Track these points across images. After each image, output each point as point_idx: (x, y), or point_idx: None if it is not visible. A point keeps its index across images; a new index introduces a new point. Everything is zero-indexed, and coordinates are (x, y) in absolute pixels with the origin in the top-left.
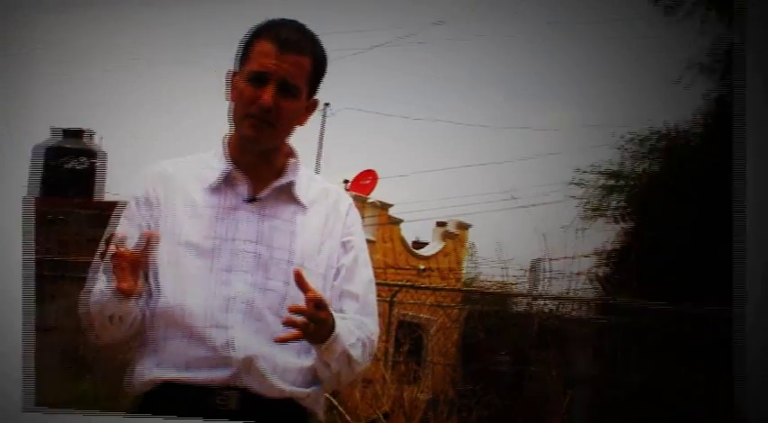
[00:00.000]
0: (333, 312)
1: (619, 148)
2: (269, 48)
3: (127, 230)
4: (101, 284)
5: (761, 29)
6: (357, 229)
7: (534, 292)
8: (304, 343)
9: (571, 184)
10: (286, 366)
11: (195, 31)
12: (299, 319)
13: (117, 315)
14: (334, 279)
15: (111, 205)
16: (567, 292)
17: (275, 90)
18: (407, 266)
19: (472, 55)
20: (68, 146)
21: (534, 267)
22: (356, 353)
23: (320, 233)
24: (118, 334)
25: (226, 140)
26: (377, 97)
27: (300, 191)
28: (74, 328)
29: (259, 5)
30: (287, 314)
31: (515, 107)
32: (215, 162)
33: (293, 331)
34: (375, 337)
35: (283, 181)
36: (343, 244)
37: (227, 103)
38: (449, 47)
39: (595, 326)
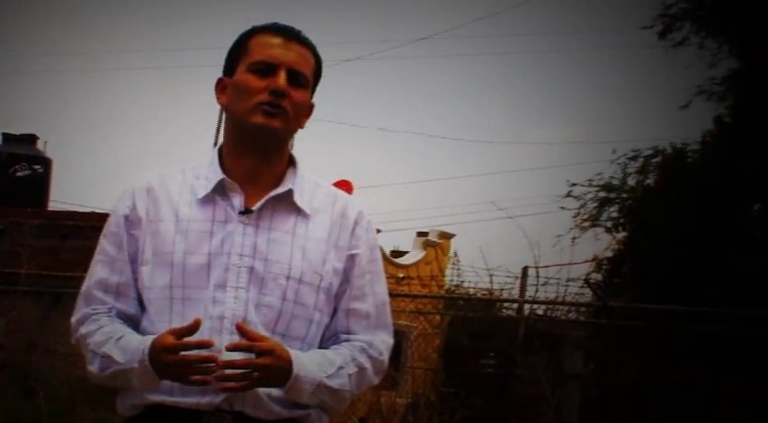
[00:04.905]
0: (290, 350)
1: (612, 163)
2: (273, 39)
3: (110, 255)
4: (123, 352)
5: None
6: (365, 240)
7: (523, 298)
8: None
9: (566, 196)
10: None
11: (165, 36)
12: (232, 372)
13: (140, 384)
14: (342, 296)
15: (65, 215)
16: (557, 298)
17: (285, 78)
18: (386, 275)
19: (461, 71)
20: (20, 152)
21: (524, 274)
22: (339, 382)
23: (325, 243)
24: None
25: (217, 150)
26: (367, 109)
27: (302, 199)
28: (26, 343)
29: (235, 14)
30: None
31: (510, 122)
32: (207, 172)
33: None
34: (385, 352)
35: (280, 190)
36: (351, 257)
37: (196, 106)
38: (435, 62)
39: (587, 329)
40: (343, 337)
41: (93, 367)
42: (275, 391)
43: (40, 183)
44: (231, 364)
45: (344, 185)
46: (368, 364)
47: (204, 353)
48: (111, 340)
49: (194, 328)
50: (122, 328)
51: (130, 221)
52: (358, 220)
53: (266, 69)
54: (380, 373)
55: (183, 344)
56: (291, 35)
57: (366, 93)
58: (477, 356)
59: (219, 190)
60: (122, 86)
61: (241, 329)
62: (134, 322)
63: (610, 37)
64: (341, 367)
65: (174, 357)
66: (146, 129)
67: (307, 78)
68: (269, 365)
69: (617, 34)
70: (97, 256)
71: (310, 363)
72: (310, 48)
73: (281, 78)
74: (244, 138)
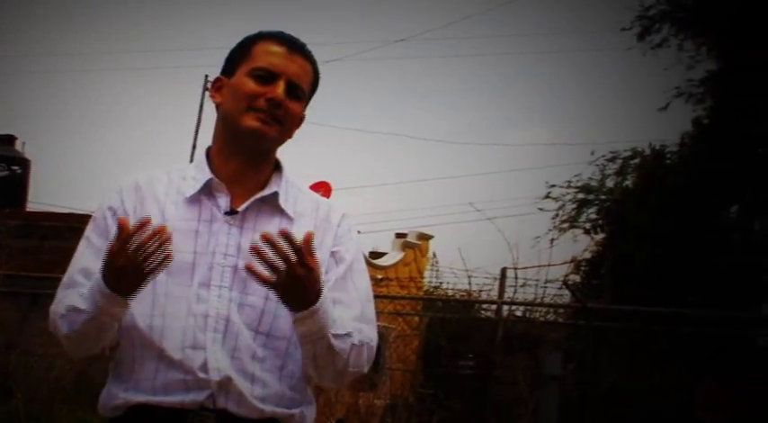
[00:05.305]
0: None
1: (590, 164)
2: (277, 47)
3: (95, 245)
4: (85, 299)
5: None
6: (349, 240)
7: (501, 299)
8: (286, 363)
9: (545, 198)
10: (266, 387)
11: (165, 36)
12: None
13: (111, 321)
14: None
15: (44, 216)
16: (535, 299)
17: (284, 89)
18: None
19: (442, 72)
20: None
21: (503, 275)
22: (340, 345)
23: None
24: (101, 344)
25: (205, 151)
26: (347, 110)
27: (287, 203)
28: (4, 344)
29: (213, 14)
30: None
31: (489, 124)
32: (194, 173)
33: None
34: (374, 344)
35: (266, 192)
36: (333, 254)
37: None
38: (415, 64)
39: (566, 330)
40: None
41: (64, 329)
42: (258, 390)
43: (18, 183)
44: (259, 255)
45: (323, 187)
46: (364, 345)
47: (147, 233)
48: (74, 294)
49: (123, 225)
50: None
51: (118, 215)
52: (340, 223)
53: (267, 77)
54: (369, 361)
55: (126, 235)
56: (295, 47)
57: (345, 94)
58: (455, 358)
59: (206, 190)
60: (118, 87)
61: (308, 238)
62: None
63: (589, 39)
64: (348, 334)
65: (127, 255)
66: (133, 129)
67: (304, 91)
68: (301, 280)
69: (596, 36)
70: (82, 247)
71: (330, 312)
72: (311, 61)
73: (280, 88)
74: (234, 139)
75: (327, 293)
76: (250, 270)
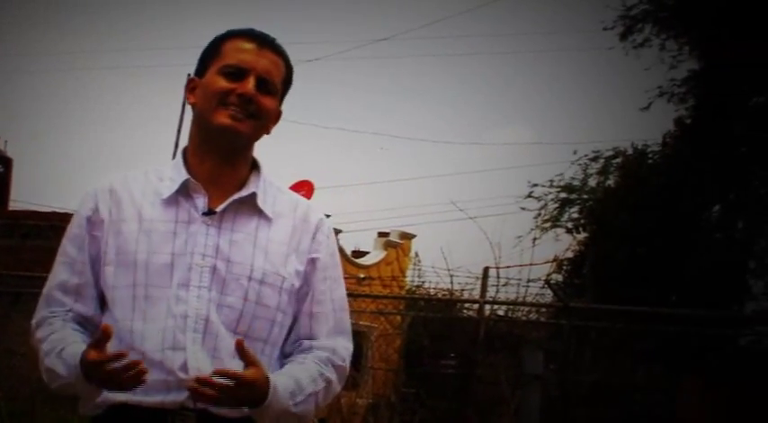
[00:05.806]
0: (270, 379)
1: (573, 164)
2: (246, 44)
3: (71, 257)
4: (65, 365)
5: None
6: (326, 246)
7: (483, 299)
8: (264, 364)
9: (527, 197)
10: None
11: (129, 37)
12: (207, 390)
13: (89, 392)
14: (304, 300)
15: (26, 215)
16: (517, 299)
17: (255, 84)
18: (346, 275)
19: (420, 71)
20: None
21: (485, 274)
22: (304, 407)
23: (286, 246)
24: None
25: (182, 152)
26: (330, 109)
27: (265, 203)
28: None
29: (196, 14)
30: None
31: (471, 123)
32: (171, 173)
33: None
34: (347, 358)
35: (244, 193)
36: (312, 261)
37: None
38: (397, 63)
39: (548, 329)
40: (306, 343)
41: (44, 377)
42: None
43: (0, 182)
44: (206, 381)
45: (305, 186)
46: (333, 376)
47: (125, 361)
48: (54, 352)
49: (106, 334)
50: (69, 337)
51: (92, 223)
52: (319, 226)
53: (236, 73)
54: (343, 380)
55: (103, 358)
56: (265, 42)
57: (328, 93)
58: (437, 357)
59: (183, 191)
60: (119, 86)
61: (240, 347)
62: (92, 323)
63: (571, 38)
64: (310, 394)
65: (102, 371)
66: (133, 129)
67: (276, 86)
68: (243, 396)
69: (578, 36)
70: (59, 258)
71: (283, 391)
72: (283, 56)
73: (250, 84)
74: (208, 138)
75: (278, 377)
76: (200, 400)
